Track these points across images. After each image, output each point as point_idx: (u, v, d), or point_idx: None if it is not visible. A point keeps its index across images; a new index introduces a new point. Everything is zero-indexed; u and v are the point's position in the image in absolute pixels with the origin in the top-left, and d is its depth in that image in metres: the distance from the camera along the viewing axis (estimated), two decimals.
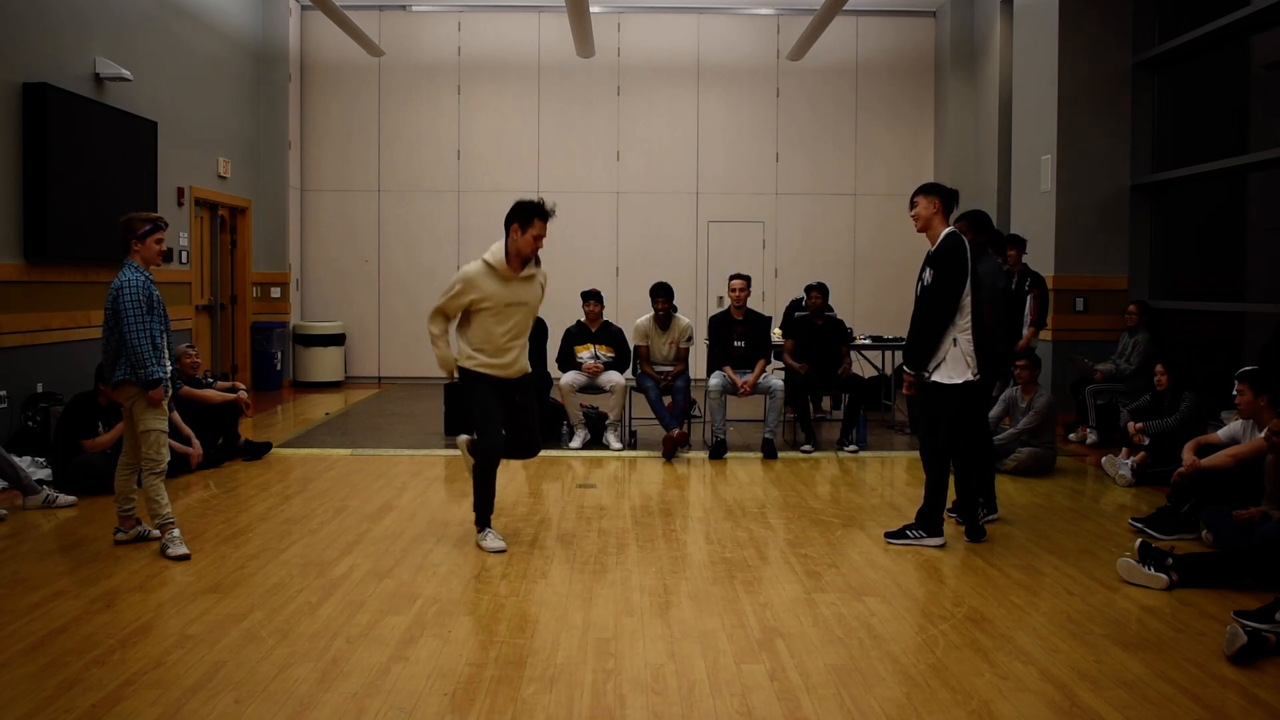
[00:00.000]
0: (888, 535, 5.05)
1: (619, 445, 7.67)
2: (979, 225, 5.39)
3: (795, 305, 9.00)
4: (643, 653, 3.53)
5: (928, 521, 4.94)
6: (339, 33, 11.27)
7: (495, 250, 4.79)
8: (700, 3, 12.00)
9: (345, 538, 5.04)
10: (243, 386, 7.37)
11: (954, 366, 4.78)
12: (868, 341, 9.21)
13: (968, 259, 4.76)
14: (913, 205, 4.95)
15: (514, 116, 12.18)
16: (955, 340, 4.77)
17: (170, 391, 4.86)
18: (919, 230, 4.95)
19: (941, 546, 4.90)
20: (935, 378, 4.82)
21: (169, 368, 4.82)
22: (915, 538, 4.94)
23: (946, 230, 4.85)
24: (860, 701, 3.13)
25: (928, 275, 4.84)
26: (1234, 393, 5.20)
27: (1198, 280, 8.63)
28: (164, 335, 4.78)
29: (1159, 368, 6.76)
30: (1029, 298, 7.76)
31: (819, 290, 8.12)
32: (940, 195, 4.88)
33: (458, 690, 3.20)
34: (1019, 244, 7.77)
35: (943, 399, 4.81)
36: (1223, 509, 4.85)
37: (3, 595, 4.09)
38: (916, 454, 7.56)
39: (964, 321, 4.78)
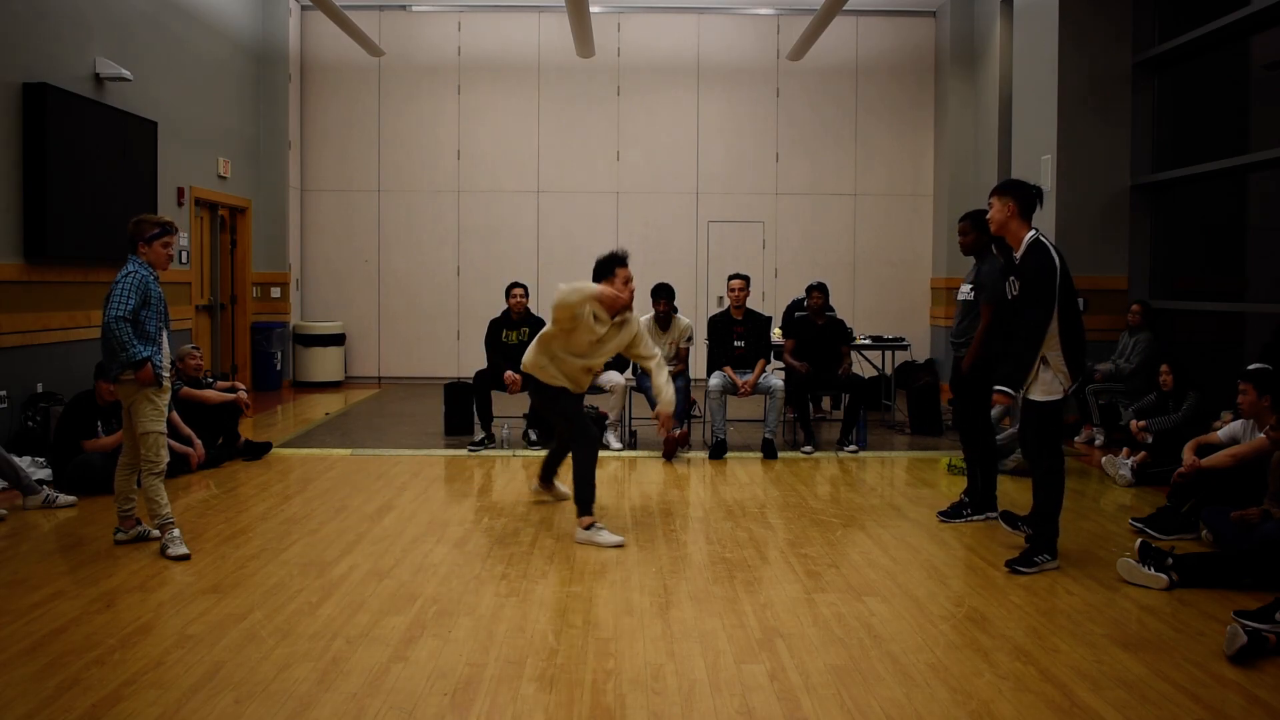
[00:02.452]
0: (1011, 564, 4.57)
1: (619, 445, 7.67)
2: (981, 225, 5.37)
3: (796, 305, 9.01)
4: (643, 653, 3.53)
5: (1049, 542, 4.62)
6: (339, 33, 11.26)
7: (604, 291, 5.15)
8: (700, 3, 12.00)
9: (345, 538, 5.04)
10: (242, 386, 7.37)
11: (1048, 383, 4.50)
12: (868, 341, 9.21)
13: (1056, 271, 4.46)
14: (989, 208, 4.72)
15: (514, 116, 12.18)
16: (1045, 358, 4.49)
17: (170, 392, 4.86)
18: (994, 231, 4.72)
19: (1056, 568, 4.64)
20: (1032, 396, 4.55)
21: (168, 365, 4.82)
22: (1042, 562, 4.55)
23: (1030, 238, 4.56)
24: (860, 701, 3.13)
25: (1014, 285, 4.63)
26: (1239, 392, 5.18)
27: (1198, 280, 8.63)
28: (161, 331, 4.78)
29: (1164, 368, 6.75)
30: None
31: (819, 290, 8.12)
32: (1015, 195, 4.60)
33: (458, 690, 3.20)
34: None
35: (1042, 418, 4.55)
36: (1223, 509, 4.84)
37: (3, 595, 4.09)
38: (916, 454, 7.60)
39: (1053, 338, 4.50)
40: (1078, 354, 4.52)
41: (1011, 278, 4.72)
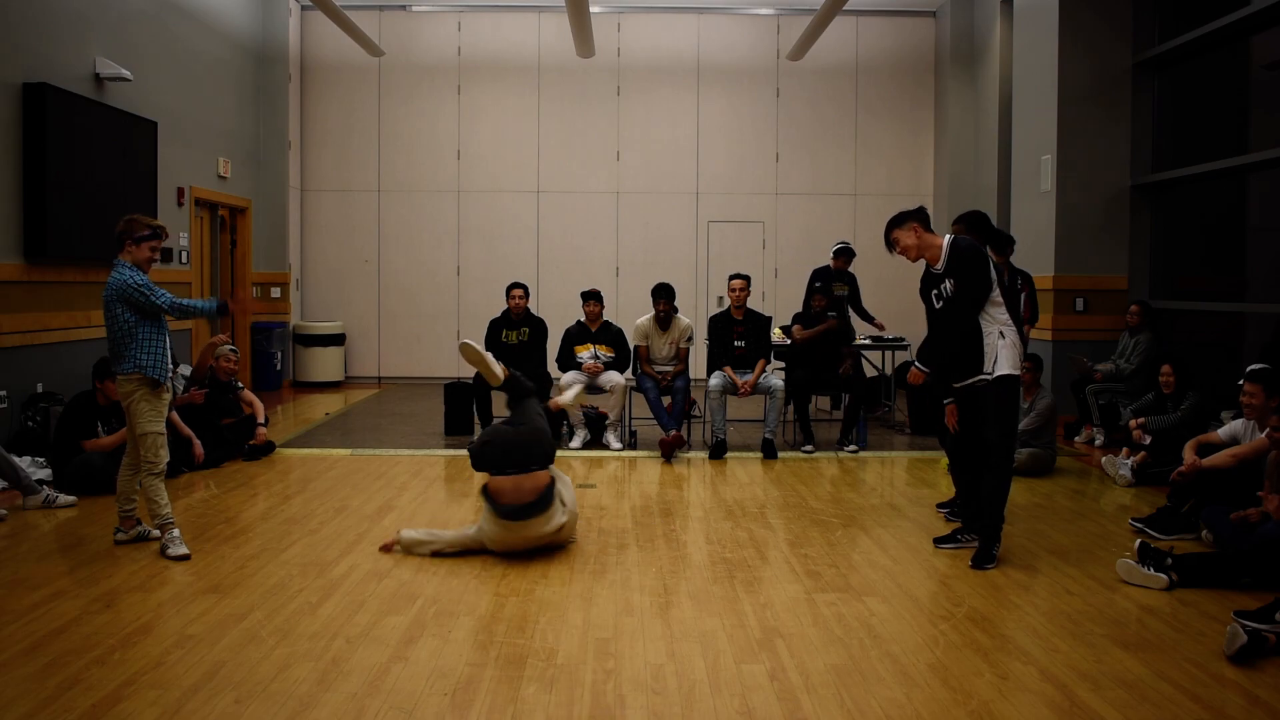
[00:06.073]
0: (975, 563, 4.60)
1: (619, 445, 7.67)
2: (976, 225, 5.35)
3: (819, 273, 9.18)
4: (643, 653, 3.53)
5: (998, 530, 4.68)
6: (339, 33, 11.26)
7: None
8: (700, 3, 12.00)
9: (345, 538, 5.04)
10: (261, 418, 7.29)
11: (1008, 358, 4.59)
12: (868, 342, 9.21)
13: (987, 257, 4.64)
14: (894, 244, 4.78)
15: (514, 116, 12.18)
16: (1003, 333, 4.60)
17: (173, 393, 4.87)
18: (914, 259, 4.78)
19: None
20: (1000, 370, 4.59)
21: (170, 368, 4.83)
22: (996, 554, 4.65)
23: (948, 238, 4.73)
24: (860, 701, 3.13)
25: (948, 285, 4.67)
26: (1243, 393, 5.14)
27: (1198, 280, 8.63)
28: (164, 335, 4.79)
29: (1166, 368, 6.74)
30: (1021, 296, 7.71)
31: (822, 293, 8.14)
32: (913, 217, 4.76)
33: (458, 690, 3.20)
34: (1007, 243, 7.68)
35: (1011, 391, 4.61)
36: (1223, 509, 4.84)
37: (3, 595, 4.09)
38: (916, 454, 7.59)
39: (1004, 315, 4.63)
40: (1021, 336, 4.76)
41: (944, 283, 4.71)
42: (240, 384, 7.33)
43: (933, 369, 4.87)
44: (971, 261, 4.62)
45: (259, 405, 7.29)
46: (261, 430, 7.18)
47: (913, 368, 4.96)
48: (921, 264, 4.91)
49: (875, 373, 9.63)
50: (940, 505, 5.67)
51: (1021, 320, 4.90)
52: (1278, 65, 7.62)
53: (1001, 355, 4.60)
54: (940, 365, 4.85)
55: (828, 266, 9.21)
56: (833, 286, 9.03)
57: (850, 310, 9.28)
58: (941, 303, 4.75)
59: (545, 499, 4.63)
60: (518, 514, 4.57)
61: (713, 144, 12.23)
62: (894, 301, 12.17)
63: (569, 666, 3.39)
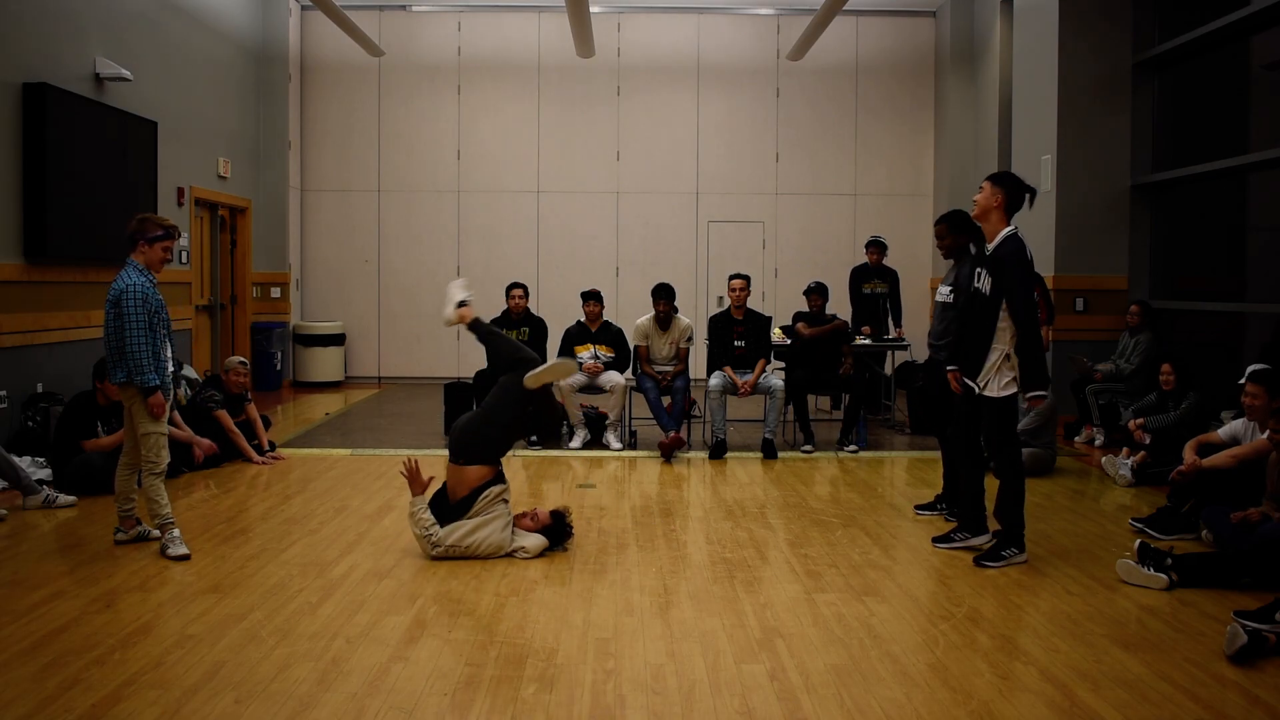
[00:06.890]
0: (979, 560, 4.63)
1: (619, 445, 7.67)
2: (960, 226, 5.33)
3: (860, 270, 9.33)
4: (643, 653, 3.53)
5: (1016, 536, 4.67)
6: (339, 33, 11.26)
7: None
8: (700, 3, 12.00)
9: (345, 538, 5.04)
10: (272, 458, 7.14)
11: (1006, 381, 4.55)
12: (868, 342, 9.20)
13: (1029, 277, 4.52)
14: (980, 190, 4.69)
15: (514, 116, 12.18)
16: (1008, 355, 4.54)
17: (170, 397, 4.86)
18: (975, 216, 4.70)
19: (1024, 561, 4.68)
20: (989, 393, 4.56)
21: (170, 373, 4.83)
22: (1010, 556, 4.61)
23: (1006, 232, 4.57)
24: (860, 701, 3.13)
25: (986, 283, 4.58)
26: (1244, 393, 5.13)
27: (1198, 280, 8.63)
28: (165, 340, 4.78)
29: (1166, 368, 6.74)
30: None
31: (818, 292, 8.14)
32: (1005, 187, 4.57)
33: (458, 690, 3.20)
34: None
35: (1002, 413, 4.58)
36: (1223, 509, 4.84)
37: (3, 595, 4.09)
38: (916, 454, 7.60)
39: (1010, 332, 4.56)
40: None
41: (980, 269, 4.68)
42: (250, 397, 7.30)
43: (1041, 385, 4.64)
44: (1011, 271, 4.47)
45: (260, 427, 7.21)
46: (271, 456, 7.06)
47: (1034, 398, 4.70)
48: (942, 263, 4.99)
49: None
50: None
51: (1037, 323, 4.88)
52: (1278, 65, 7.62)
53: (997, 378, 4.56)
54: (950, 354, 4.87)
55: (865, 264, 9.29)
56: (872, 284, 9.15)
57: (888, 308, 9.25)
58: (973, 289, 4.66)
59: (465, 503, 4.67)
60: (447, 515, 4.65)
61: (712, 144, 12.23)
62: None
63: (569, 666, 3.39)
